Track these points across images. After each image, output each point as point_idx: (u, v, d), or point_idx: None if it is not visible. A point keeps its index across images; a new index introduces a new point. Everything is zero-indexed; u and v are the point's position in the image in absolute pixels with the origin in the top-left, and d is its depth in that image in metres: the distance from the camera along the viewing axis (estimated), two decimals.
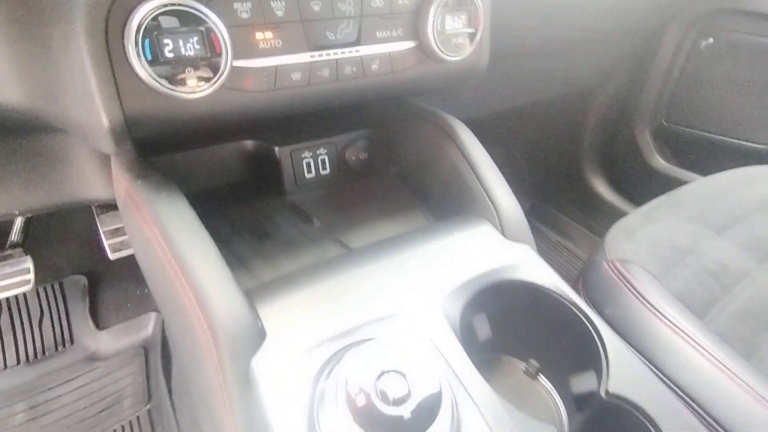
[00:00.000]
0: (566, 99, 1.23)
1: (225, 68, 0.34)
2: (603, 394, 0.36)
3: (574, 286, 0.58)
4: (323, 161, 0.63)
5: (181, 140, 0.51)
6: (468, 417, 0.30)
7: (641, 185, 1.23)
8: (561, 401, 0.43)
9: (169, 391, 0.84)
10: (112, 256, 0.87)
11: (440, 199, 0.56)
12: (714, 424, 0.40)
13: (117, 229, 0.88)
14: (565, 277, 0.64)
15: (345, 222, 0.57)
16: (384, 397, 0.27)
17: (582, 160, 1.35)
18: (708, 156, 1.11)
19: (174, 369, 0.82)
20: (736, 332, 0.49)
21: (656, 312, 0.47)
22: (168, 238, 0.36)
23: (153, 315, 0.98)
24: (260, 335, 0.34)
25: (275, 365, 0.32)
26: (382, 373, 0.28)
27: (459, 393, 0.32)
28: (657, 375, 0.41)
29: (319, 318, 0.35)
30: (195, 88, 0.33)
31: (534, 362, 0.45)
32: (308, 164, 0.62)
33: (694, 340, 0.44)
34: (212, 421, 0.37)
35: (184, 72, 0.32)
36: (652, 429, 0.34)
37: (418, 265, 0.41)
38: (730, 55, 1.02)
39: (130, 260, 0.89)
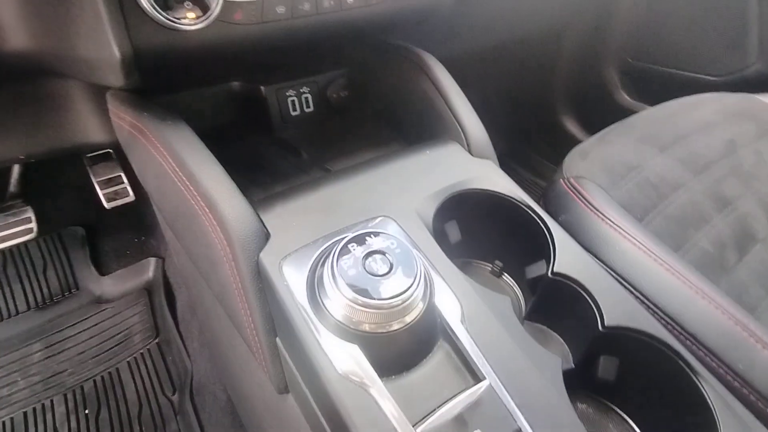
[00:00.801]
0: (537, 41, 1.27)
1: (218, 2, 0.38)
2: (549, 274, 0.44)
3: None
4: (307, 99, 0.68)
5: (179, 77, 0.56)
6: (439, 287, 0.38)
7: (608, 121, 1.30)
8: (521, 293, 0.51)
9: (176, 324, 0.91)
10: (107, 205, 0.92)
11: (414, 128, 0.62)
12: (642, 297, 0.49)
13: (110, 179, 0.92)
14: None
15: (330, 153, 0.62)
16: (371, 269, 0.34)
17: (554, 102, 1.40)
18: (669, 90, 1.18)
19: (178, 302, 0.89)
20: (668, 231, 0.57)
21: (600, 215, 0.55)
22: (179, 158, 0.42)
23: (152, 260, 1.04)
24: (265, 235, 0.40)
25: (279, 258, 0.39)
26: (368, 254, 0.35)
27: (432, 272, 0.39)
28: (597, 261, 0.50)
29: (314, 222, 0.42)
30: (194, 21, 0.37)
31: (498, 263, 0.53)
32: (293, 102, 0.67)
33: (631, 236, 0.52)
34: (230, 313, 0.44)
35: (183, 7, 0.36)
36: (588, 299, 0.42)
37: (395, 179, 0.48)
38: None
39: (126, 210, 0.94)
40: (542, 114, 1.41)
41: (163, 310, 0.95)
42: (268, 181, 0.58)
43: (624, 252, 0.51)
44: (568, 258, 0.44)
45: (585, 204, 0.57)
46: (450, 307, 0.38)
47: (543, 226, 0.46)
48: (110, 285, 1.01)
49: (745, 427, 0.35)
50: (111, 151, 0.87)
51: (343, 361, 0.33)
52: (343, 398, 0.32)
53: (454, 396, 0.33)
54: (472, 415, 0.32)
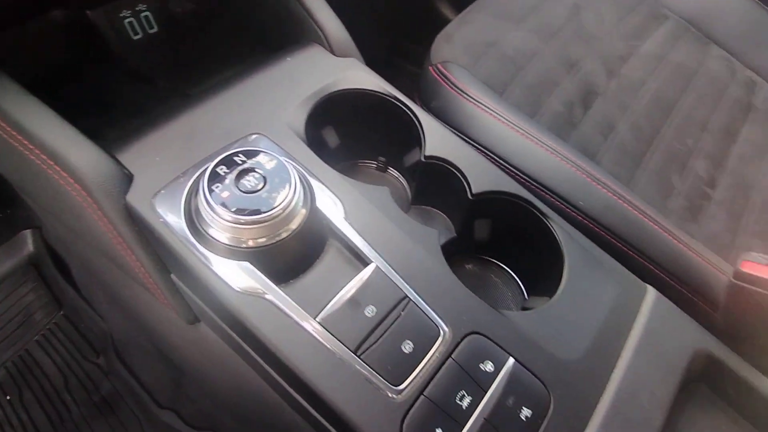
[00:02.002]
0: None
1: None
2: (422, 158, 0.47)
3: (411, 96, 0.67)
4: (147, 18, 0.60)
5: None
6: (319, 191, 0.40)
7: None
8: (405, 182, 0.55)
9: (77, 290, 0.86)
10: None
11: (273, 35, 0.58)
12: (504, 163, 0.55)
13: None
14: None
15: (189, 76, 0.58)
16: (245, 188, 0.35)
17: None
18: None
19: (73, 268, 0.83)
20: (525, 99, 0.63)
21: (465, 95, 0.58)
22: (6, 116, 0.36)
23: (27, 233, 0.94)
24: (127, 177, 0.38)
25: (149, 197, 0.37)
26: (240, 174, 0.35)
27: (310, 178, 0.40)
28: (464, 139, 0.54)
29: (179, 153, 0.40)
30: None
31: (382, 158, 0.56)
32: (131, 24, 0.59)
33: (492, 110, 0.57)
34: (117, 263, 0.42)
35: None
36: (458, 174, 0.46)
37: (259, 93, 0.46)
38: None
39: None
40: (419, 4, 1.38)
41: (57, 280, 0.88)
42: (124, 119, 0.53)
43: (487, 126, 0.56)
44: (436, 141, 0.47)
45: (451, 87, 0.60)
46: (332, 207, 0.40)
47: (412, 115, 0.49)
48: None
49: (583, 250, 0.43)
50: None
51: (238, 278, 0.35)
52: (245, 312, 0.34)
53: (345, 282, 0.36)
54: (364, 295, 0.36)
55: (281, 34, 0.57)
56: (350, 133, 0.52)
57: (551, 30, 0.71)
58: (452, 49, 0.65)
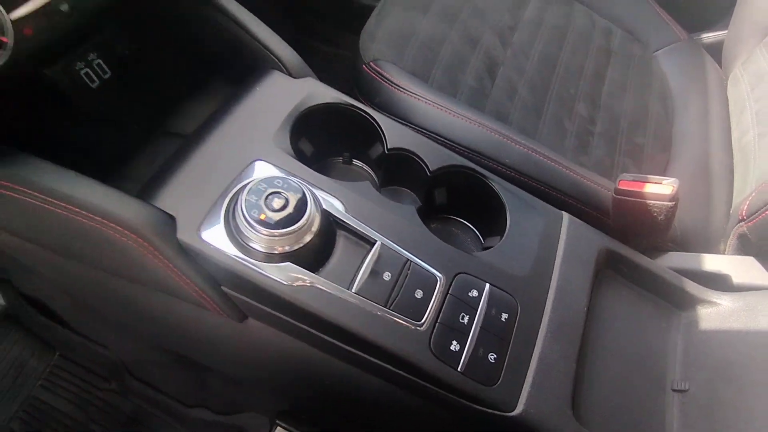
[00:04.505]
0: None
1: (9, 33, 0.36)
2: (386, 151, 0.60)
3: (351, 91, 0.78)
4: (99, 65, 0.64)
5: None
6: (320, 196, 0.51)
7: None
8: (371, 170, 0.67)
9: (71, 329, 0.89)
10: None
11: (228, 65, 0.66)
12: (443, 139, 0.69)
13: None
14: (347, 80, 0.84)
15: (157, 113, 0.63)
16: (272, 207, 0.45)
17: None
18: None
19: (62, 310, 0.86)
20: (446, 81, 0.77)
21: (400, 89, 0.71)
22: (42, 188, 0.43)
23: None
24: (170, 218, 0.47)
25: (194, 230, 0.46)
26: (270, 194, 0.45)
27: (311, 187, 0.51)
28: (410, 127, 0.67)
29: (202, 189, 0.49)
30: None
31: (347, 154, 0.67)
32: (87, 74, 0.63)
33: (424, 97, 0.70)
34: (168, 290, 0.51)
35: None
36: (416, 158, 0.59)
37: (245, 124, 0.55)
38: None
39: None
40: None
41: (48, 325, 0.90)
42: (119, 166, 0.59)
43: (423, 112, 0.70)
44: (394, 135, 0.60)
45: (388, 83, 0.72)
46: (334, 206, 0.51)
47: (370, 118, 0.60)
48: None
49: (515, 196, 0.60)
50: None
51: (285, 276, 0.46)
52: (299, 298, 0.46)
53: (363, 260, 0.49)
54: (379, 265, 0.49)
55: (235, 63, 0.65)
56: (320, 139, 0.62)
57: (452, 13, 0.85)
58: (378, 46, 0.76)
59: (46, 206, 0.45)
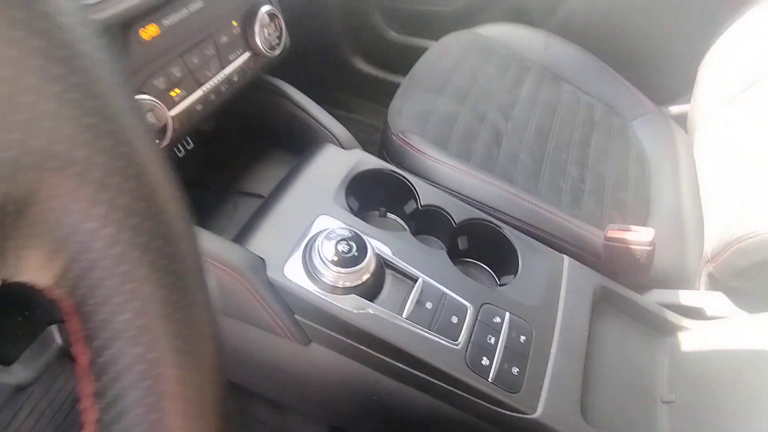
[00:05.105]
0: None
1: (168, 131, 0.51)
2: (419, 207, 0.74)
3: (381, 155, 0.94)
4: (186, 139, 0.80)
5: None
6: (374, 243, 0.65)
7: (387, 54, 1.62)
8: (403, 222, 0.81)
9: None
10: None
11: (288, 139, 0.82)
12: (464, 197, 0.84)
13: None
14: (369, 142, 1.00)
15: (231, 176, 0.78)
16: (342, 250, 0.59)
17: (341, 44, 1.63)
18: (417, 21, 1.53)
19: None
20: (462, 149, 0.93)
21: (426, 155, 0.87)
22: None
23: (53, 328, 1.03)
24: (261, 259, 0.60)
25: (280, 269, 0.59)
26: (339, 240, 0.59)
27: (369, 238, 0.65)
28: (435, 186, 0.82)
29: (283, 235, 0.63)
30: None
31: (383, 209, 0.82)
32: (176, 147, 0.78)
33: (446, 162, 0.86)
34: (251, 321, 0.63)
35: None
36: (443, 212, 0.74)
37: (310, 185, 0.70)
38: None
39: None
40: (335, 60, 1.65)
41: None
42: (202, 221, 0.72)
43: (446, 174, 0.85)
44: (425, 194, 0.74)
45: (415, 150, 0.88)
46: (384, 250, 0.65)
47: (406, 180, 0.76)
48: (22, 370, 0.98)
49: (525, 242, 0.74)
50: None
51: (353, 306, 0.59)
52: (362, 323, 0.58)
53: (409, 293, 0.62)
54: (422, 297, 0.62)
55: (295, 138, 0.81)
56: (364, 197, 0.77)
57: (463, 93, 1.03)
58: (405, 121, 0.93)
59: None
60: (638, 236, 0.72)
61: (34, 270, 0.17)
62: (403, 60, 1.18)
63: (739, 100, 0.97)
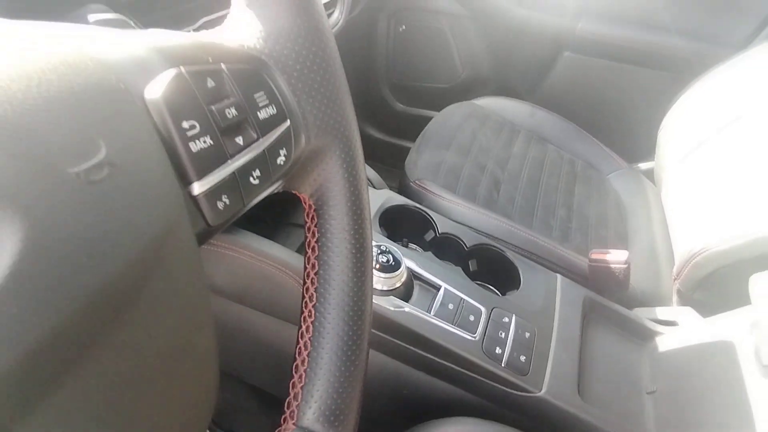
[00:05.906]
0: None
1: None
2: (437, 235, 0.91)
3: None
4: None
5: None
6: (407, 262, 0.81)
7: (394, 123, 1.87)
8: (422, 249, 0.98)
9: None
10: None
11: None
12: (472, 228, 1.01)
13: None
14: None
15: (285, 210, 0.96)
16: (382, 260, 0.75)
17: (356, 116, 1.89)
18: (423, 96, 1.80)
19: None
20: (467, 192, 1.12)
21: (441, 197, 1.05)
22: (256, 250, 0.72)
23: None
24: None
25: None
26: (379, 253, 0.75)
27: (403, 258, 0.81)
28: (457, 222, 1.00)
29: None
30: None
31: (406, 240, 0.99)
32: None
33: (458, 203, 1.05)
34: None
35: None
36: (455, 238, 0.91)
37: None
38: (414, 33, 1.67)
39: None
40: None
41: None
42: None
43: (457, 211, 1.03)
44: (442, 225, 0.92)
45: (431, 193, 1.07)
46: (412, 264, 0.81)
47: (426, 213, 0.93)
48: None
49: (524, 263, 0.90)
50: None
51: (390, 304, 0.74)
52: (399, 318, 0.73)
53: (435, 297, 0.77)
54: (445, 300, 0.77)
55: None
56: (390, 228, 0.94)
57: (466, 149, 1.24)
58: (420, 170, 1.13)
59: (243, 258, 0.74)
60: (615, 256, 0.88)
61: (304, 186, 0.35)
62: (409, 128, 1.41)
63: (690, 157, 1.19)
